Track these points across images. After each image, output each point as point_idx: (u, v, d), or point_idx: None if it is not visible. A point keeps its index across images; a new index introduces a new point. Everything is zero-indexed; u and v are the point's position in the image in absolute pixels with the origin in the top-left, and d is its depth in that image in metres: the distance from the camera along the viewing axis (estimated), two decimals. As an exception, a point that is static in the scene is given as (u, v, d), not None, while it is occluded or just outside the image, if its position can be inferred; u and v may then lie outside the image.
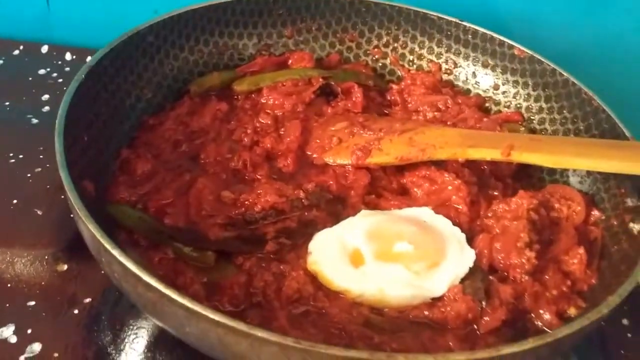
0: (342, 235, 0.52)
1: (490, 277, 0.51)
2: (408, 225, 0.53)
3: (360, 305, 0.48)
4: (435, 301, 0.49)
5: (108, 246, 0.40)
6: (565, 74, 0.66)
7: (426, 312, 0.48)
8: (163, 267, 0.48)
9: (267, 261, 0.50)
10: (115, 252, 0.40)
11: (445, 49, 0.73)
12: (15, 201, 0.59)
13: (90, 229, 0.41)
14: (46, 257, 0.55)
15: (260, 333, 0.36)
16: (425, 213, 0.56)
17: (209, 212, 0.53)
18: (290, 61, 0.71)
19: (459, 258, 0.51)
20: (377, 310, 0.48)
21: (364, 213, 0.55)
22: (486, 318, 0.48)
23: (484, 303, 0.48)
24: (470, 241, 0.54)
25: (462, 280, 0.50)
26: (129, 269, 0.39)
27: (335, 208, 0.56)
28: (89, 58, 0.78)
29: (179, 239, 0.50)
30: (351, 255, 0.51)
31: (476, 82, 0.72)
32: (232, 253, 0.50)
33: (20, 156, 0.63)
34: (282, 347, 0.36)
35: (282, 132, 0.62)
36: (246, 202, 0.54)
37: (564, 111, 0.66)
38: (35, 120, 0.69)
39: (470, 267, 0.51)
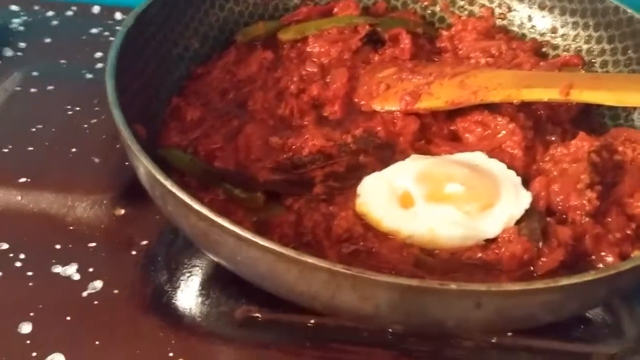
0: (391, 178, 0.51)
1: (548, 219, 0.49)
2: (460, 167, 0.51)
3: (411, 246, 0.47)
4: (489, 243, 0.47)
5: (160, 178, 0.41)
6: (629, 10, 0.62)
7: (479, 254, 0.47)
8: (214, 208, 0.47)
9: (316, 202, 0.50)
10: (168, 184, 0.41)
11: (499, -9, 0.69)
12: (74, 150, 0.61)
13: (144, 163, 0.42)
14: (104, 201, 0.57)
15: (310, 259, 0.36)
16: (478, 157, 0.54)
17: (257, 156, 0.54)
18: (335, 9, 0.70)
19: (514, 200, 0.49)
20: (428, 251, 0.47)
21: (414, 157, 0.54)
22: (543, 259, 0.46)
23: (540, 244, 0.46)
24: (526, 185, 0.52)
25: (518, 222, 0.48)
26: (181, 199, 0.40)
27: (384, 154, 0.55)
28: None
29: (229, 181, 0.51)
30: (400, 197, 0.50)
31: (532, 26, 0.69)
32: (281, 195, 0.50)
33: (77, 108, 0.66)
34: (331, 273, 0.36)
35: (328, 80, 0.62)
36: (293, 147, 0.54)
37: (629, 51, 0.62)
38: (89, 76, 0.71)
39: (526, 209, 0.49)
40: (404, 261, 0.46)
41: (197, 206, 0.39)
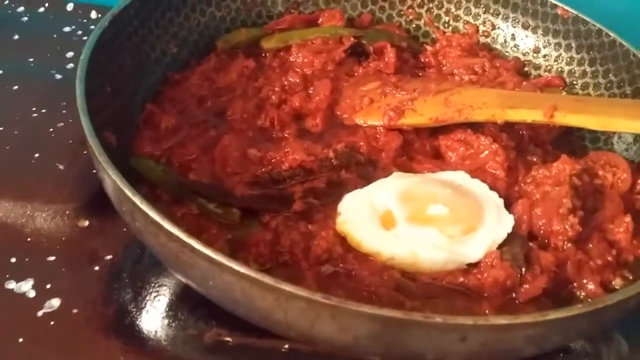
0: (373, 196, 0.50)
1: (530, 244, 0.48)
2: (443, 187, 0.50)
3: (391, 268, 0.45)
4: (471, 267, 0.46)
5: (129, 193, 0.38)
6: (612, 34, 0.62)
7: (461, 279, 0.45)
8: (186, 223, 0.46)
9: (294, 220, 0.47)
10: (137, 200, 0.38)
11: (483, 9, 0.69)
12: (37, 155, 0.57)
13: (111, 176, 0.39)
14: (67, 212, 0.53)
15: (288, 287, 0.34)
16: (460, 177, 0.53)
17: (234, 169, 0.51)
18: (320, 19, 0.68)
19: (497, 223, 0.48)
20: (409, 274, 0.45)
21: (396, 175, 0.52)
22: (526, 286, 0.45)
23: (523, 270, 0.45)
24: (507, 207, 0.51)
25: (500, 247, 0.47)
26: (150, 217, 0.37)
27: (366, 170, 0.54)
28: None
29: (203, 194, 0.48)
30: (382, 217, 0.48)
31: (515, 45, 0.68)
32: (257, 211, 0.48)
33: (43, 111, 0.62)
34: (310, 302, 0.34)
35: (311, 91, 0.60)
36: (273, 160, 0.52)
37: (610, 75, 0.62)
38: (58, 76, 0.67)
39: (508, 233, 0.48)
40: (384, 284, 0.44)
41: (167, 225, 0.36)
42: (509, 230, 0.48)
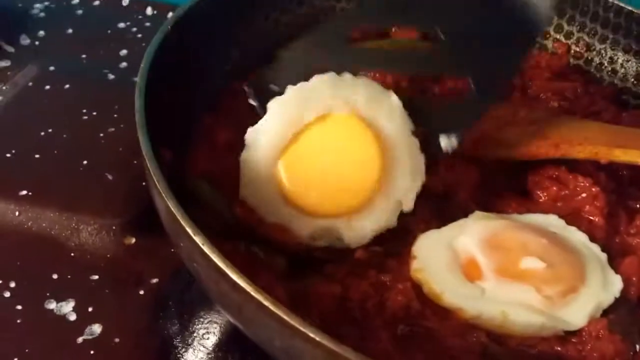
0: (452, 240, 0.44)
1: (642, 313, 0.41)
2: (537, 236, 0.43)
3: (476, 328, 0.39)
4: (570, 335, 0.40)
5: (190, 231, 0.33)
6: None
7: (558, 348, 0.39)
8: (235, 264, 0.39)
9: (362, 268, 0.41)
10: (198, 240, 0.33)
11: (578, 27, 0.62)
12: (85, 162, 0.54)
13: (170, 208, 0.35)
14: (113, 227, 0.50)
15: (371, 363, 0.29)
16: (553, 222, 0.46)
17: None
18: (393, 29, 0.62)
19: (602, 284, 0.42)
20: (496, 337, 0.39)
21: (479, 215, 0.46)
22: None
23: (638, 347, 0.38)
24: (610, 263, 0.44)
25: (605, 313, 0.41)
26: (213, 262, 0.32)
27: (440, 205, 0.48)
28: (170, 14, 0.74)
29: (247, 234, 0.42)
30: (465, 266, 0.42)
31: (613, 70, 0.61)
32: (317, 259, 0.42)
33: (94, 113, 0.59)
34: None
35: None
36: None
37: None
38: (111, 76, 0.64)
39: (616, 297, 0.41)
40: (469, 349, 0.38)
41: (233, 275, 0.31)
42: (617, 294, 0.42)
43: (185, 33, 0.50)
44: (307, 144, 0.44)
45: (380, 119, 0.45)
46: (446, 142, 0.47)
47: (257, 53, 0.59)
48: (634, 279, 0.43)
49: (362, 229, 0.43)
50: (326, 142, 0.44)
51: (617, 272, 0.43)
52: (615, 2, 0.60)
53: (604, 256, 0.44)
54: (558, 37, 0.63)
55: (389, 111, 0.45)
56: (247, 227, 0.43)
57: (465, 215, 0.47)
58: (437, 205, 0.48)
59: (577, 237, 0.45)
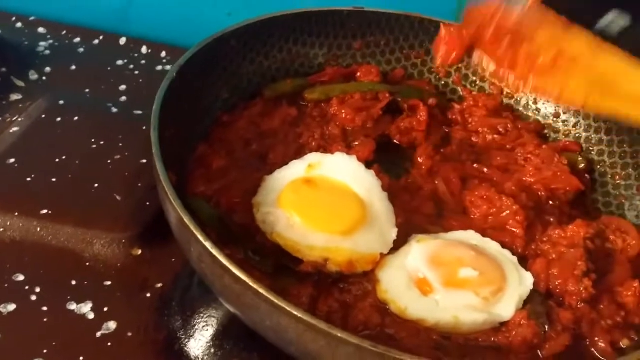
0: (404, 262, 0.53)
1: (550, 302, 0.52)
2: (466, 249, 0.53)
3: (430, 330, 0.49)
4: (501, 326, 0.50)
5: (201, 238, 0.43)
6: (628, 108, 0.67)
7: (492, 338, 0.49)
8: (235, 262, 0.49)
9: (331, 285, 0.50)
10: (208, 244, 0.43)
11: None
12: (96, 185, 0.62)
13: (184, 219, 0.44)
14: (123, 240, 0.58)
15: (340, 334, 0.39)
16: (473, 236, 0.56)
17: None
18: (358, 74, 0.73)
19: (519, 281, 0.53)
20: (446, 335, 0.49)
21: (418, 238, 0.55)
22: (550, 343, 0.49)
23: (546, 327, 0.49)
24: (524, 264, 0.55)
25: (524, 305, 0.51)
26: (218, 261, 0.42)
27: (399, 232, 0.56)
28: (163, 53, 0.84)
29: (243, 241, 0.51)
30: (418, 282, 0.51)
31: (537, 109, 0.73)
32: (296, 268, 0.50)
33: (101, 142, 0.67)
34: (358, 348, 0.38)
35: (353, 145, 0.64)
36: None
37: (624, 145, 0.67)
38: (114, 109, 0.72)
39: (530, 290, 0.52)
40: (423, 345, 0.47)
41: (235, 270, 0.41)
42: (531, 287, 0.52)
43: (185, 79, 0.59)
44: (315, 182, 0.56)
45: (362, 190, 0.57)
46: None
47: (244, 91, 0.69)
48: (542, 275, 0.53)
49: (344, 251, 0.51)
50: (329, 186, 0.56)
51: (530, 271, 0.54)
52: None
53: (515, 259, 0.55)
54: (493, 80, 0.75)
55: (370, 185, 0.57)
56: (243, 234, 0.52)
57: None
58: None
59: (492, 246, 0.55)
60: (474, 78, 0.76)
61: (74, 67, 0.78)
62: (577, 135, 0.71)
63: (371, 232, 0.54)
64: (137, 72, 0.80)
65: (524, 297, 0.52)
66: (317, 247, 0.51)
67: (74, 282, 0.55)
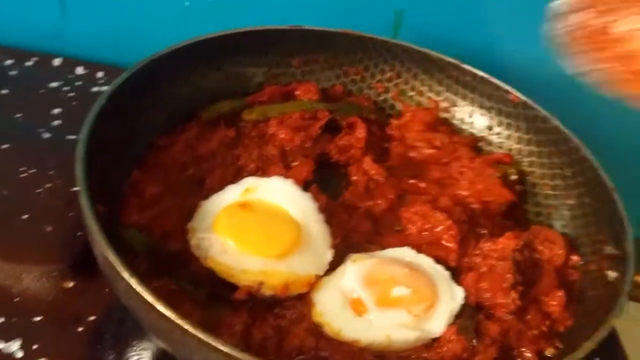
0: (339, 283, 0.53)
1: (479, 315, 0.54)
2: (400, 267, 0.54)
3: (364, 350, 0.49)
4: (433, 342, 0.51)
5: (126, 275, 0.42)
6: (555, 121, 0.69)
7: (425, 354, 0.50)
8: (161, 296, 0.44)
9: (264, 309, 0.50)
10: (132, 282, 0.42)
11: (445, 87, 0.75)
12: (25, 216, 0.60)
13: (108, 258, 0.43)
14: (54, 273, 0.57)
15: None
16: (407, 253, 0.58)
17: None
18: (297, 92, 0.74)
19: (450, 296, 0.54)
20: (379, 353, 0.49)
21: (353, 257, 0.56)
22: (479, 356, 0.50)
23: (474, 341, 0.51)
24: (457, 277, 0.57)
25: (455, 319, 0.52)
26: (143, 298, 0.41)
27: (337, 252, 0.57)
28: (99, 73, 0.82)
29: (175, 270, 0.51)
30: (352, 303, 0.52)
31: (472, 122, 0.75)
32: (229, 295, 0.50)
33: (32, 171, 0.65)
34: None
35: (292, 165, 0.64)
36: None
37: (553, 157, 0.70)
38: (46, 135, 0.70)
39: (461, 305, 0.53)
40: None
41: (161, 308, 0.41)
42: (461, 302, 0.53)
43: (116, 104, 0.58)
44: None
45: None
46: None
47: (181, 113, 0.69)
48: (472, 289, 0.55)
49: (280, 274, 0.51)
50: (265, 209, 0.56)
51: (462, 285, 0.55)
52: (470, 68, 0.74)
53: (447, 273, 0.56)
54: (430, 95, 0.77)
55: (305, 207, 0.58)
56: (176, 262, 0.51)
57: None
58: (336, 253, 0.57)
59: (425, 261, 0.57)
60: (412, 93, 0.77)
61: (5, 91, 0.75)
62: (509, 147, 0.73)
63: (307, 254, 0.55)
64: (71, 94, 0.78)
65: (455, 312, 0.53)
66: (251, 271, 0.51)
67: (1, 320, 0.54)
